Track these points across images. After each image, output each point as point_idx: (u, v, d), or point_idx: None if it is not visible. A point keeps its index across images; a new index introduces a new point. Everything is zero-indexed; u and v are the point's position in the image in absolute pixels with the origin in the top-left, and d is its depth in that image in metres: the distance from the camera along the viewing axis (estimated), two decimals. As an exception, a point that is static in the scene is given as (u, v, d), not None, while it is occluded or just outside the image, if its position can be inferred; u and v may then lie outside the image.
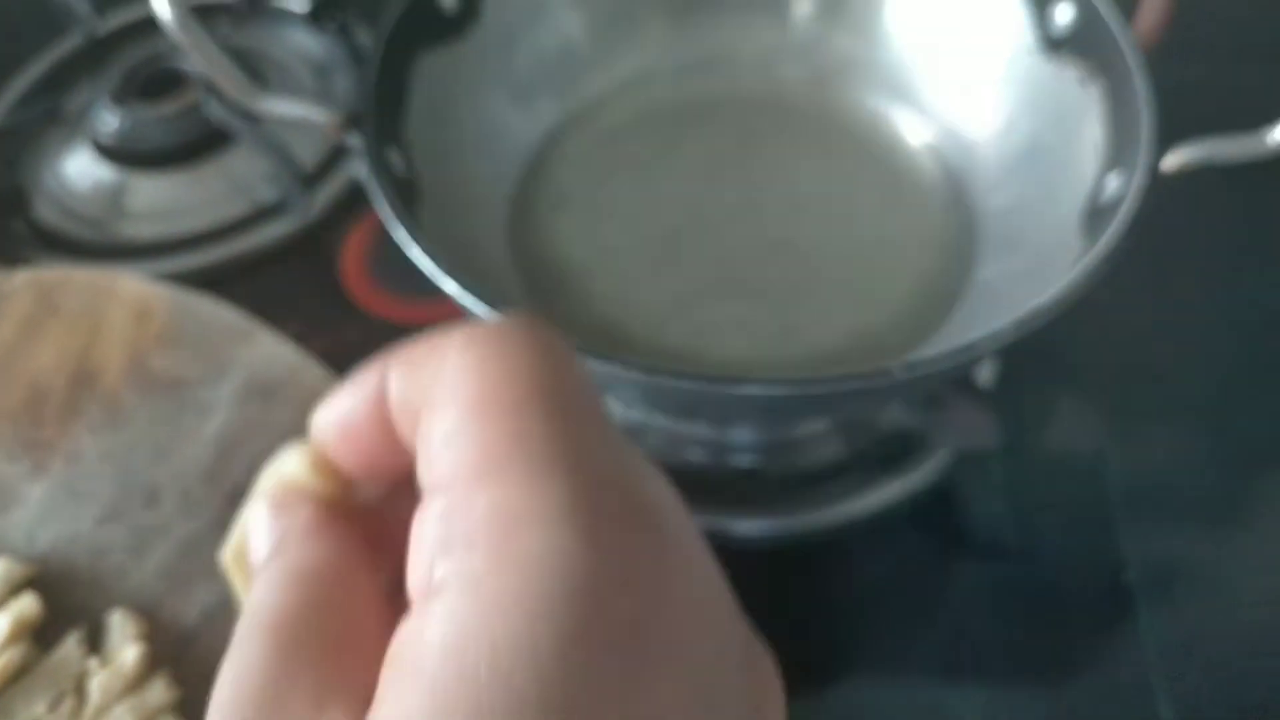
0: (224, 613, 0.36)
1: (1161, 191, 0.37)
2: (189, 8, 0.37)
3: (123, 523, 0.38)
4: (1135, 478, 0.46)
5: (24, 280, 0.43)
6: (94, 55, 0.62)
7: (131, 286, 0.43)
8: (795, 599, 0.43)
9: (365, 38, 0.62)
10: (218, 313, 0.42)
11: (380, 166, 0.37)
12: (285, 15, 0.63)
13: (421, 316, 0.50)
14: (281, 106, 0.38)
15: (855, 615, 0.44)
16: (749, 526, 0.44)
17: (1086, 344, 0.50)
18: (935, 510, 0.46)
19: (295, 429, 0.38)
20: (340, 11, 0.62)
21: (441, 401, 0.17)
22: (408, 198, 0.39)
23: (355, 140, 0.38)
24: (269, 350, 0.41)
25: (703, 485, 0.45)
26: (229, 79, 0.37)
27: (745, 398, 0.34)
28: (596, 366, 0.33)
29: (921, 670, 0.42)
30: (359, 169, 0.37)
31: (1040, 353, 0.46)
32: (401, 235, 0.36)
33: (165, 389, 0.40)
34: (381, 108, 0.39)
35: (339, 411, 0.20)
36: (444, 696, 0.14)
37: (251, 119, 0.52)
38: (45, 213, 0.55)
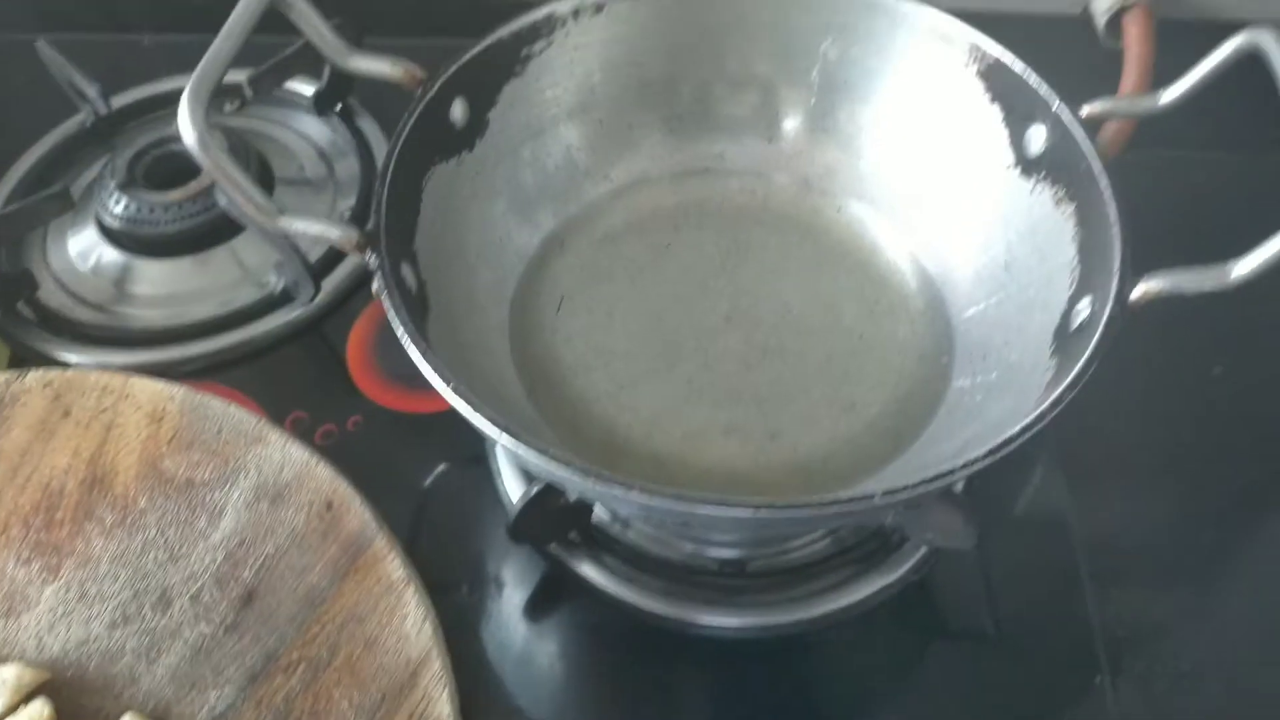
0: (233, 715, 0.37)
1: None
2: (210, 130, 0.38)
3: (134, 626, 0.39)
4: (1102, 549, 0.48)
5: (35, 380, 0.45)
6: (101, 134, 0.63)
7: (145, 387, 0.44)
8: (777, 692, 0.45)
9: (367, 124, 0.64)
10: (229, 414, 0.44)
11: (395, 283, 0.39)
12: (291, 100, 0.65)
13: (424, 405, 0.52)
14: (300, 224, 0.39)
15: (837, 707, 0.45)
16: (733, 621, 0.46)
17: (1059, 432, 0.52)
18: (915, 601, 0.48)
19: (303, 532, 0.40)
20: (343, 99, 0.64)
21: None
22: (418, 311, 0.41)
23: (371, 259, 0.39)
24: (279, 452, 0.43)
25: (688, 580, 0.47)
26: (250, 200, 0.39)
27: (732, 519, 0.36)
28: (594, 487, 0.35)
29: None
30: (375, 283, 0.39)
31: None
32: (414, 352, 0.38)
33: (177, 491, 0.42)
34: (394, 225, 0.41)
35: None
36: None
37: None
38: (51, 295, 0.56)
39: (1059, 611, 0.47)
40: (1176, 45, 0.57)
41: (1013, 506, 0.50)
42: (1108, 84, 0.57)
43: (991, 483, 0.49)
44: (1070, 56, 0.63)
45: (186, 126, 0.38)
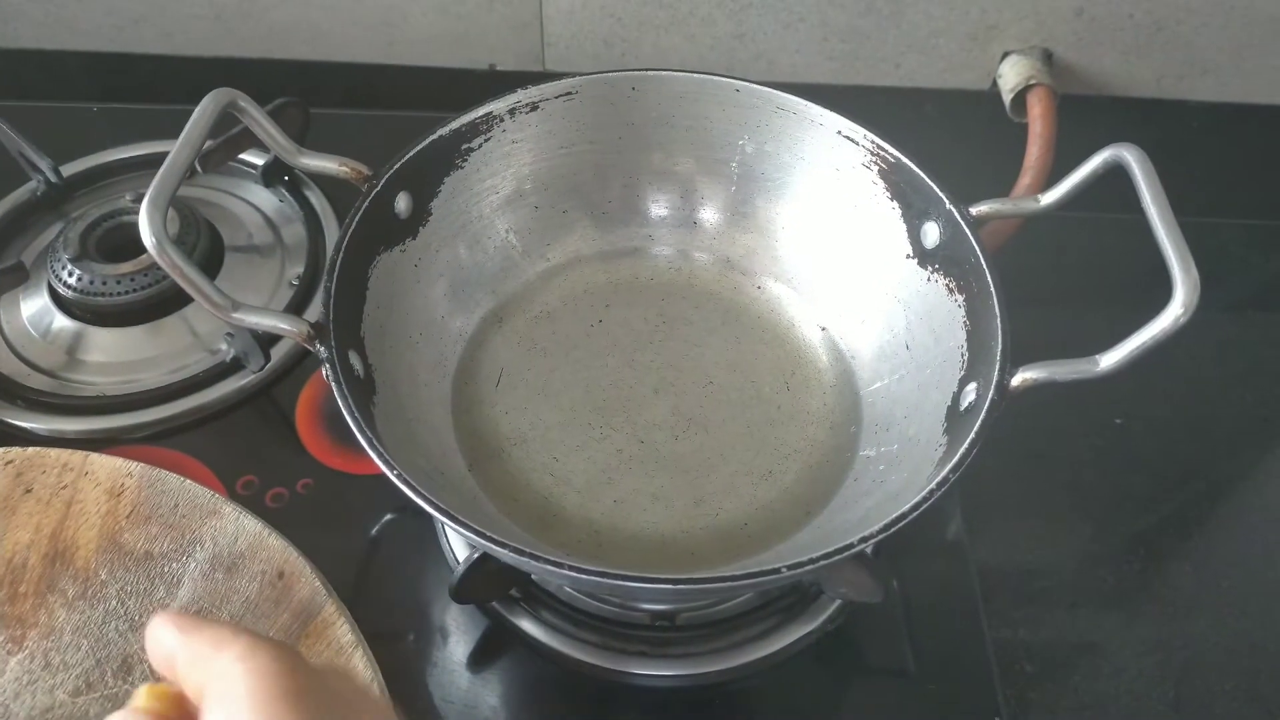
0: (190, 777, 0.40)
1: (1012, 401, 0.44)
2: (168, 236, 0.41)
3: (97, 693, 0.41)
4: (1004, 589, 0.53)
5: (-2, 457, 0.47)
6: (53, 201, 0.66)
7: (104, 464, 0.47)
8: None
9: (313, 194, 0.67)
10: (185, 488, 0.47)
11: (342, 374, 0.42)
12: (240, 171, 0.67)
13: (370, 467, 0.55)
14: (253, 319, 0.42)
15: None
16: (661, 671, 0.50)
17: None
18: (833, 646, 0.52)
19: (256, 599, 0.43)
20: (290, 171, 0.67)
21: (219, 696, 0.25)
22: (365, 393, 0.44)
23: (321, 350, 0.42)
24: (233, 524, 0.46)
25: (621, 634, 0.50)
26: (206, 296, 0.42)
27: (654, 590, 0.40)
28: (528, 564, 0.39)
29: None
30: (324, 371, 0.42)
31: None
32: (362, 439, 0.41)
33: (136, 563, 0.44)
34: (341, 314, 0.44)
35: (157, 659, 0.27)
36: None
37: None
38: (4, 361, 0.58)
39: (965, 652, 0.51)
40: (1079, 120, 0.63)
41: (920, 554, 0.55)
42: (1016, 154, 0.62)
43: (899, 532, 0.53)
44: (981, 128, 0.69)
45: (146, 233, 0.41)
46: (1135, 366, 0.43)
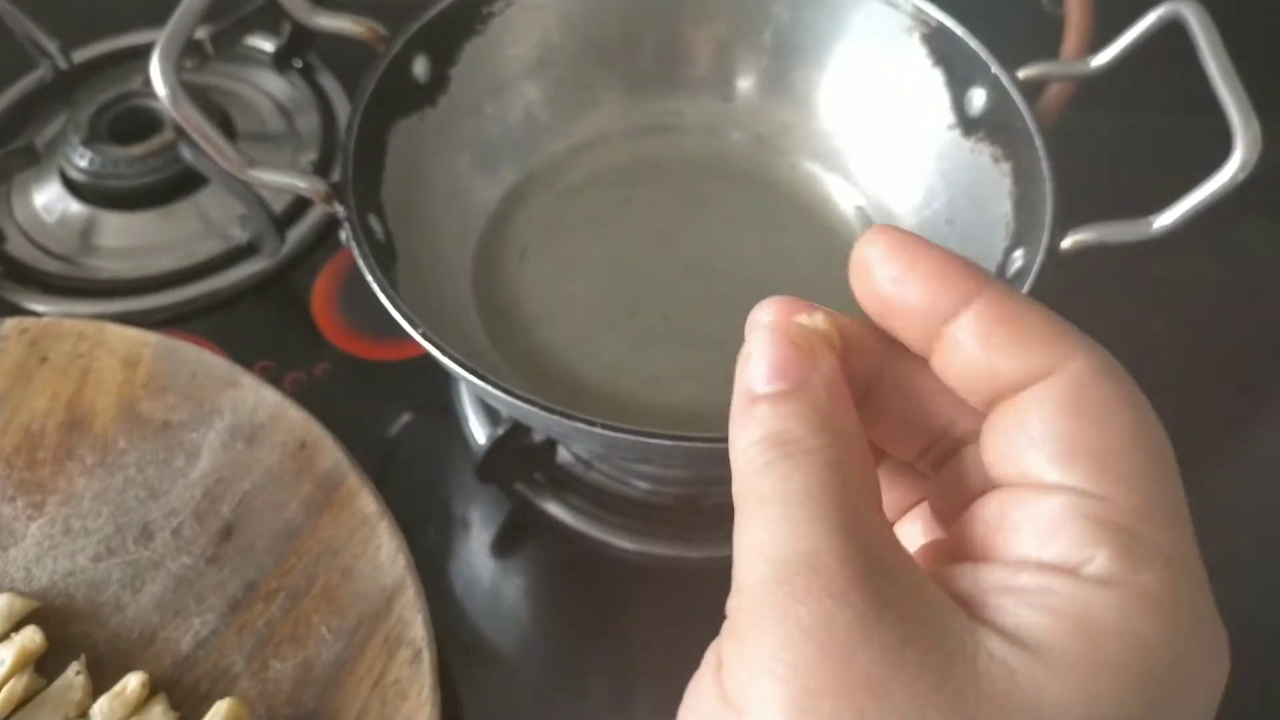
0: (216, 640, 0.39)
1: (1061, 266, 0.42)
2: (181, 85, 0.40)
3: (118, 558, 0.41)
4: None
5: (12, 328, 0.46)
6: (63, 89, 0.64)
7: (119, 334, 0.45)
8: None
9: (327, 80, 0.65)
10: (202, 359, 0.45)
11: (363, 234, 0.40)
12: (251, 56, 0.65)
13: (390, 353, 0.54)
14: (269, 176, 0.41)
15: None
16: (689, 554, 0.49)
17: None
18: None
19: (278, 470, 0.42)
20: (303, 55, 0.65)
21: (1075, 401, 0.18)
22: (386, 260, 0.43)
23: (340, 209, 0.41)
24: (252, 395, 0.45)
25: (646, 516, 0.49)
26: (221, 151, 0.40)
27: (691, 449, 0.38)
28: (557, 424, 0.37)
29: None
30: (343, 233, 0.41)
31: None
32: (383, 298, 0.39)
33: (154, 433, 0.43)
34: (360, 177, 0.42)
35: (902, 297, 0.20)
36: (1123, 690, 0.16)
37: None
38: (18, 247, 0.57)
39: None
40: (1116, 10, 0.60)
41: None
42: (1050, 48, 0.60)
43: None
44: (1016, 22, 0.66)
45: (159, 82, 0.39)
46: (1184, 240, 0.41)
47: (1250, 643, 0.21)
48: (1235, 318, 0.60)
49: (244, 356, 0.53)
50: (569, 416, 0.37)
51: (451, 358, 0.38)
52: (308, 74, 0.65)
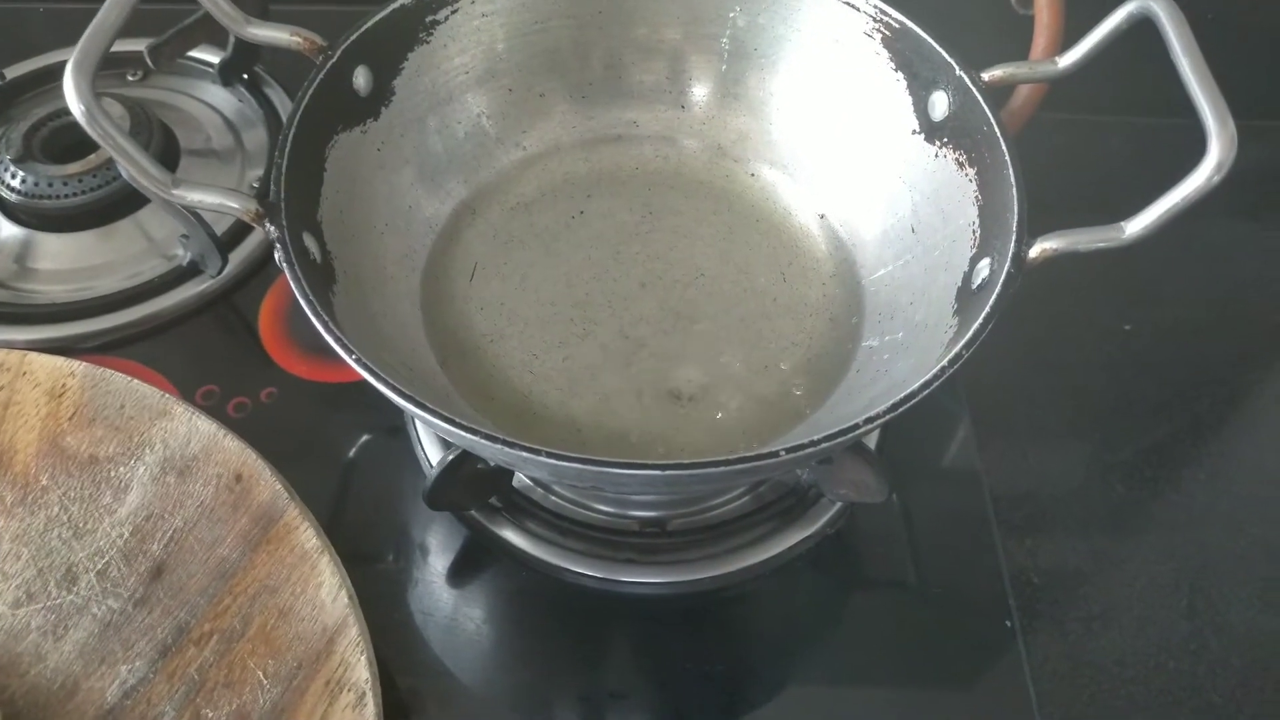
0: (144, 688, 0.37)
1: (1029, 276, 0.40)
2: (97, 100, 0.37)
3: (39, 604, 0.38)
4: (1013, 499, 0.50)
5: (-69, 357, 0.43)
6: (-4, 106, 0.61)
7: (43, 364, 0.43)
8: (701, 644, 0.45)
9: (275, 94, 0.63)
10: (132, 388, 0.43)
11: (295, 256, 0.38)
12: (196, 69, 0.63)
13: (339, 375, 0.52)
14: (196, 195, 0.39)
15: (759, 657, 0.46)
16: (655, 579, 0.47)
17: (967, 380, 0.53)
18: (832, 553, 0.49)
19: (212, 504, 0.40)
20: (249, 68, 0.62)
21: None
22: (323, 281, 0.41)
23: (270, 229, 0.39)
24: (184, 425, 0.42)
25: (609, 541, 0.47)
26: (142, 170, 0.38)
27: (642, 477, 0.36)
28: (502, 453, 0.35)
29: (826, 697, 0.45)
30: (276, 254, 0.39)
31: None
32: (316, 322, 0.37)
33: (80, 468, 0.41)
34: (295, 195, 0.40)
35: None
36: None
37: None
38: (-51, 271, 0.55)
39: (972, 560, 0.48)
40: (1086, 11, 0.59)
41: (926, 460, 0.52)
42: (1021, 52, 0.58)
43: (905, 438, 0.50)
44: (984, 25, 0.64)
45: (73, 97, 0.37)
46: (1159, 240, 0.39)
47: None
48: (1209, 316, 0.59)
49: (187, 381, 0.51)
50: (513, 445, 0.35)
51: (388, 384, 0.36)
52: (255, 88, 0.63)
